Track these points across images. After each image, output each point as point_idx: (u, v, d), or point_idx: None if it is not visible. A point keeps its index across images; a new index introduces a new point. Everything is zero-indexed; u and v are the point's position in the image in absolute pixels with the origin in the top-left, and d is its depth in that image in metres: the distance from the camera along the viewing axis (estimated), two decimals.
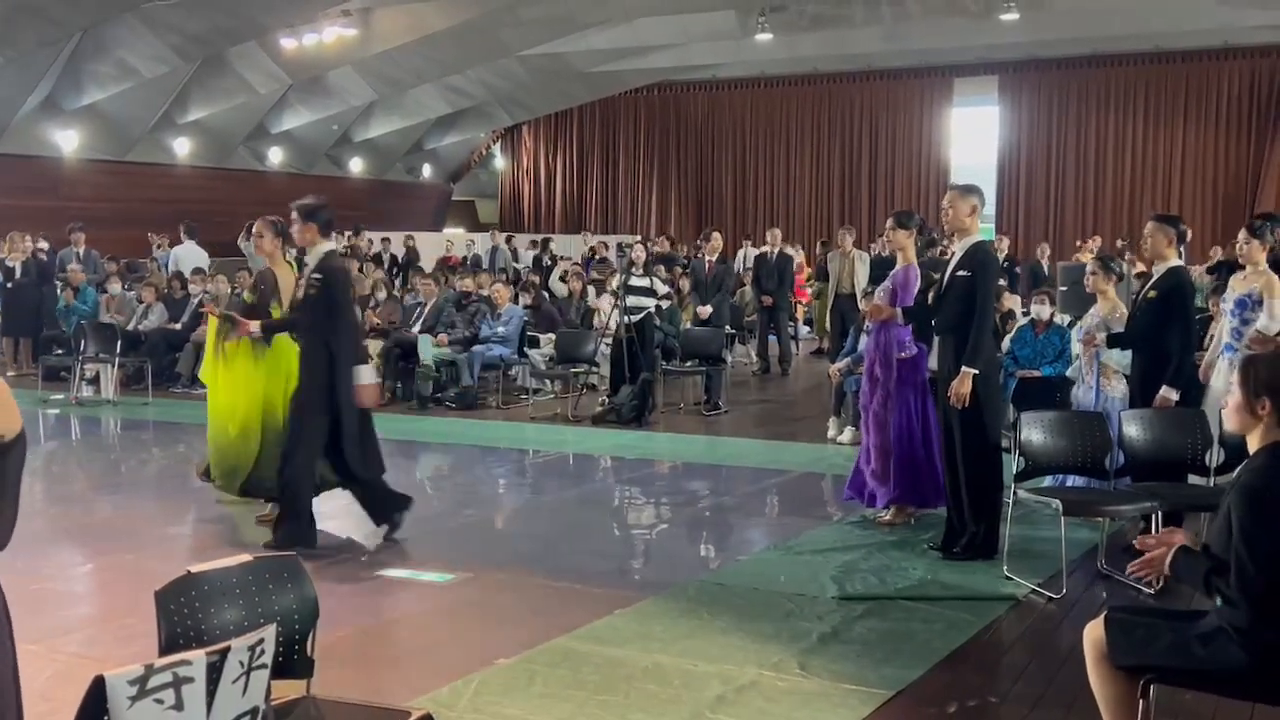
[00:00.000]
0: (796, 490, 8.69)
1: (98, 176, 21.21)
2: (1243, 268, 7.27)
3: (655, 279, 12.31)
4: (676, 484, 9.25)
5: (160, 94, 21.02)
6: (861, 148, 26.95)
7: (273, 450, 7.04)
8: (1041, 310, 9.54)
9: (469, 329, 12.68)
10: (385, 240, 21.92)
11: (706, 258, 13.84)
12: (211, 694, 2.50)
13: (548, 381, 13.01)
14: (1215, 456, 6.17)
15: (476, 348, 12.45)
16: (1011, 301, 13.37)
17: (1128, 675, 3.53)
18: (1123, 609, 3.75)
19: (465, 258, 21.25)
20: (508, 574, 6.33)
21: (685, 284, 14.36)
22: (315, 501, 6.96)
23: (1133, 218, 23.01)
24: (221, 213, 21.48)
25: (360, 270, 16.92)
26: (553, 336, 13.23)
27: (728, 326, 13.78)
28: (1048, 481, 6.98)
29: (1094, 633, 3.63)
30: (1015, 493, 6.33)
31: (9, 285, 14.76)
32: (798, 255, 19.39)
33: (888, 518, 7.29)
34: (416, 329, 13.01)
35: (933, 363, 6.72)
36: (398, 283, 18.37)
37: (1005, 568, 6.23)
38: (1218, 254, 17.76)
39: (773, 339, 15.22)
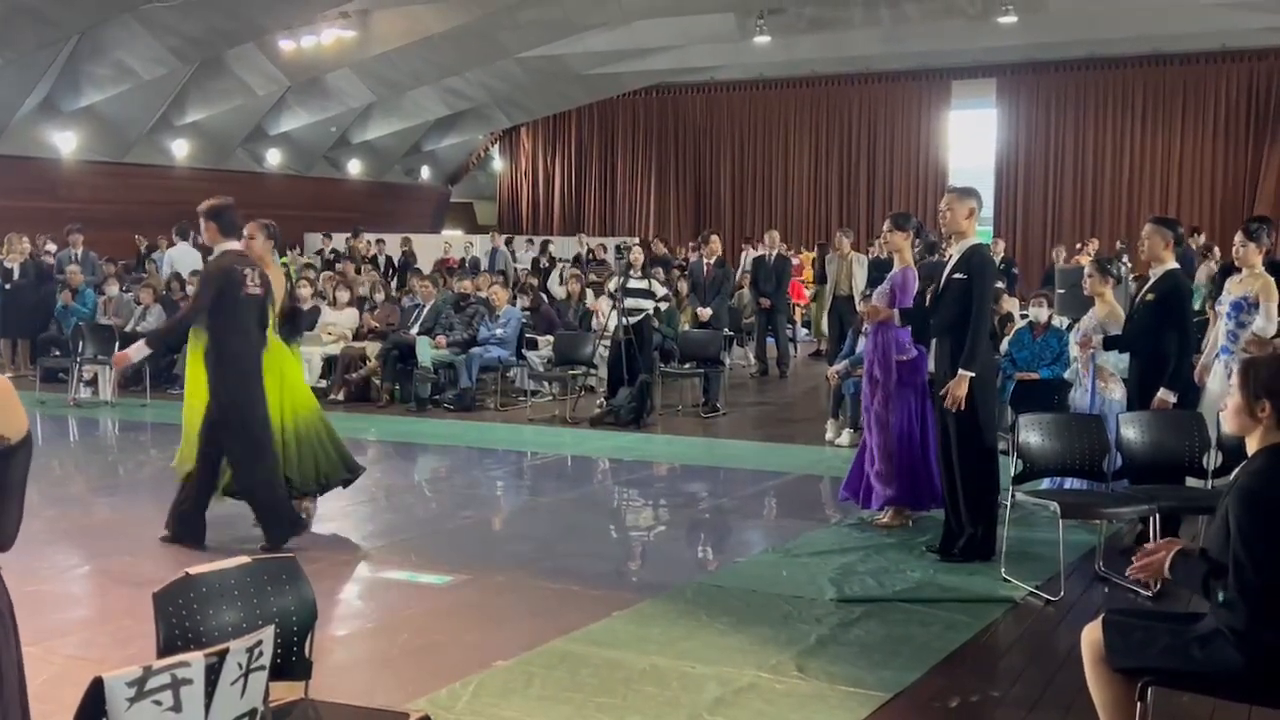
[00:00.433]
0: (794, 492, 8.69)
1: (96, 178, 21.20)
2: (1239, 270, 7.29)
3: (653, 281, 12.31)
4: (674, 486, 9.26)
5: (158, 96, 21.03)
6: (859, 150, 26.96)
7: (296, 449, 7.15)
8: (1039, 313, 9.55)
9: (467, 331, 12.68)
10: (380, 242, 21.93)
11: (705, 260, 13.84)
12: (210, 696, 2.50)
13: (546, 383, 13.01)
14: (1213, 459, 6.18)
15: (475, 350, 12.45)
16: (1010, 304, 13.39)
17: (1125, 677, 3.53)
18: (1120, 611, 3.75)
19: (464, 259, 21.26)
20: (506, 576, 6.33)
21: (684, 286, 14.37)
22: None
23: (1131, 220, 23.04)
24: None
25: (357, 272, 16.94)
26: (551, 338, 13.24)
27: (726, 329, 13.78)
28: (1046, 484, 6.98)
29: (1092, 635, 3.63)
30: (1013, 495, 6.34)
31: (7, 287, 14.75)
32: (796, 258, 19.41)
33: (885, 520, 7.29)
34: (415, 331, 13.02)
35: (931, 365, 6.73)
36: (393, 284, 18.38)
37: (1003, 570, 6.23)
38: (1214, 255, 17.79)
39: (771, 341, 15.23)
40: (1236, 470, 3.60)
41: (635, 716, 4.42)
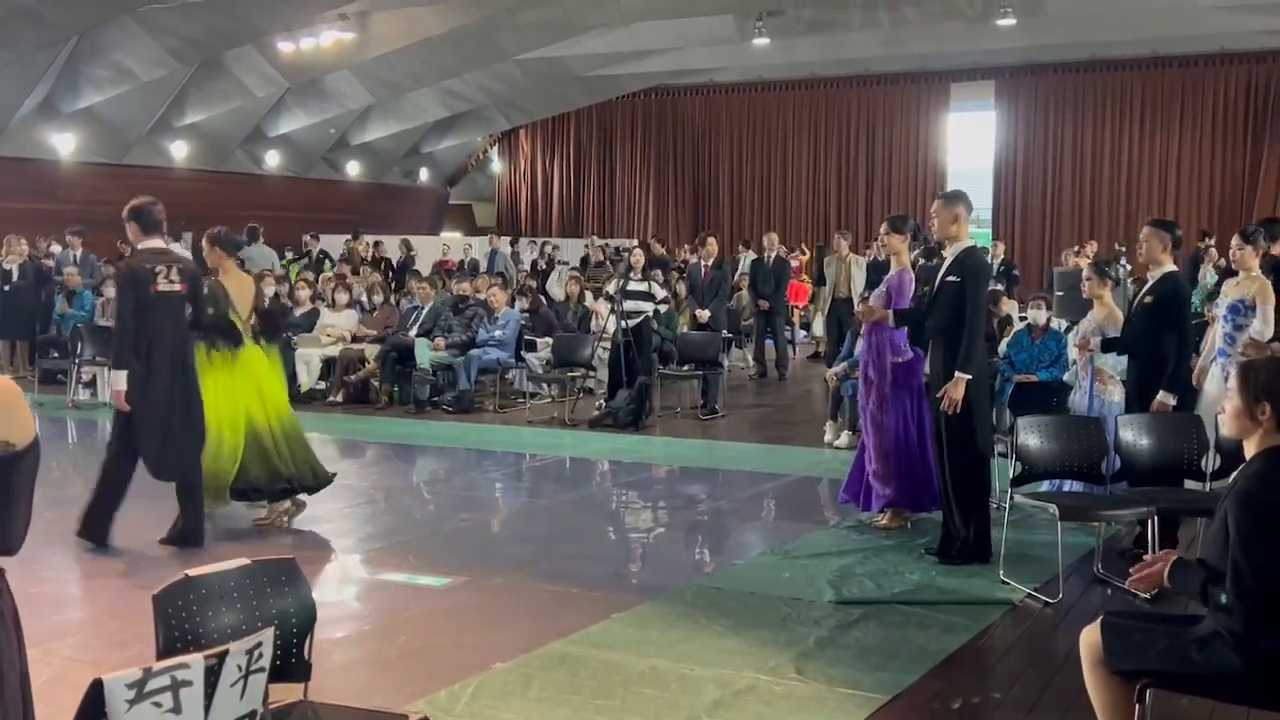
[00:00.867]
0: (793, 494, 8.69)
1: (94, 179, 21.20)
2: (1236, 273, 7.30)
3: (653, 283, 12.32)
4: (673, 488, 9.26)
5: (157, 97, 21.03)
6: (858, 152, 26.97)
7: (255, 453, 7.20)
8: (1038, 315, 9.55)
9: (466, 333, 12.69)
10: (378, 244, 21.93)
11: (703, 262, 13.85)
12: (209, 697, 2.50)
13: (545, 385, 13.01)
14: (1211, 461, 6.19)
15: (473, 351, 12.45)
16: (1009, 306, 13.39)
17: (1124, 680, 3.53)
18: (1119, 614, 3.75)
19: (462, 261, 21.28)
20: (504, 578, 6.33)
21: (682, 288, 14.37)
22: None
23: (1129, 222, 23.06)
24: (219, 216, 21.40)
25: (356, 273, 16.94)
26: (550, 340, 13.24)
27: (724, 331, 13.79)
28: (1045, 486, 6.99)
29: (1090, 637, 3.63)
30: (1011, 497, 6.34)
31: (6, 288, 14.74)
32: (797, 260, 19.41)
33: (884, 522, 7.29)
34: (413, 333, 13.02)
35: (926, 367, 6.75)
36: (391, 286, 18.36)
37: (1001, 572, 6.24)
38: (1213, 257, 17.81)
39: (770, 343, 15.23)
40: (1235, 473, 3.60)
41: (634, 718, 4.42)
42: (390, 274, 20.08)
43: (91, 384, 13.33)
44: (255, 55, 20.29)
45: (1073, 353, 8.38)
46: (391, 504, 8.43)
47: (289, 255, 20.28)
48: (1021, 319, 11.29)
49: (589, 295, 14.49)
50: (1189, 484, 6.37)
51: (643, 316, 11.84)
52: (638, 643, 5.24)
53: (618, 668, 4.92)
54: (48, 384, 13.49)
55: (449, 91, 24.79)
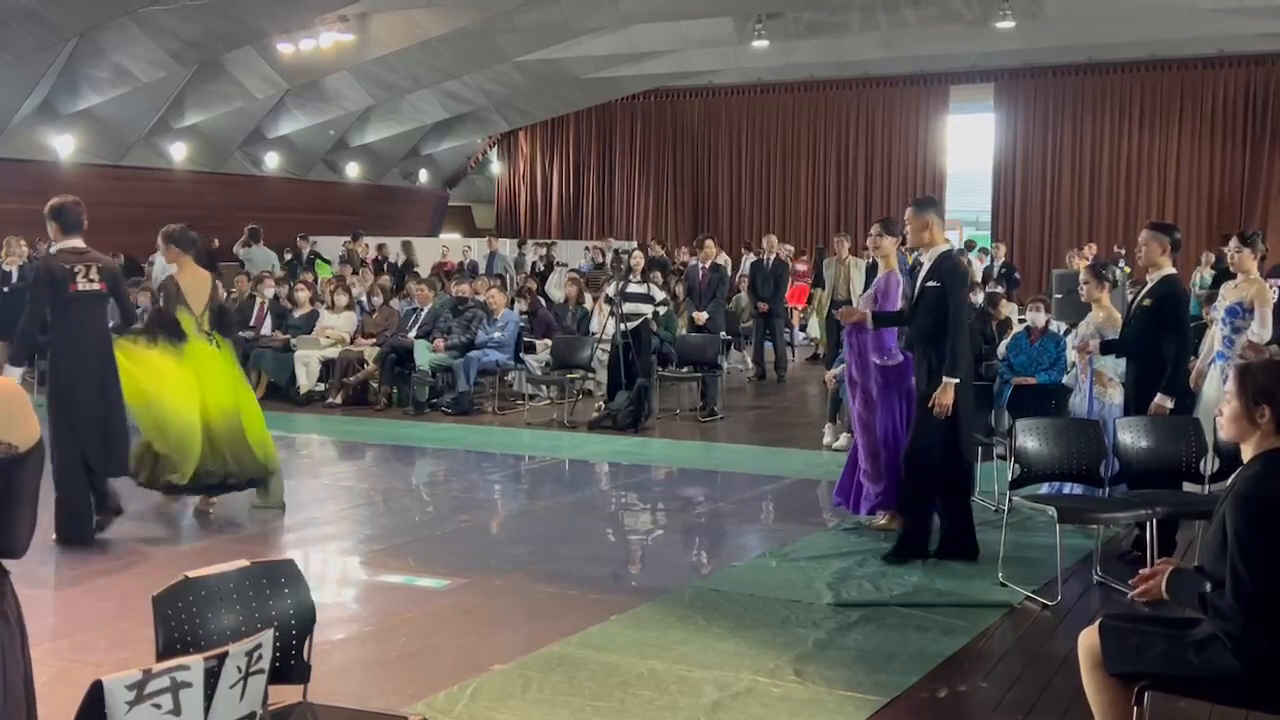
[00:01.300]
0: (792, 496, 8.69)
1: (94, 181, 21.16)
2: (1233, 276, 7.31)
3: (652, 285, 12.32)
4: (672, 490, 9.26)
5: (157, 98, 21.02)
6: (858, 154, 26.98)
7: (209, 445, 7.38)
8: (1037, 317, 9.56)
9: (465, 334, 12.69)
10: (381, 246, 21.94)
11: (700, 264, 13.86)
12: (209, 699, 2.51)
13: (544, 387, 13.02)
14: (1210, 464, 6.19)
15: (473, 353, 12.45)
16: (1008, 308, 13.40)
17: (1122, 682, 3.54)
18: (1117, 616, 3.76)
19: (461, 263, 21.28)
20: (503, 579, 6.33)
21: (680, 290, 14.38)
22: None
23: (1128, 224, 23.07)
24: (218, 218, 21.47)
25: (356, 274, 16.94)
26: (549, 342, 13.24)
27: (723, 332, 13.80)
28: (1043, 489, 7.00)
29: (1089, 640, 3.64)
30: (1010, 499, 6.35)
31: (5, 290, 14.73)
32: (802, 263, 19.40)
33: (882, 523, 7.30)
34: (413, 334, 13.03)
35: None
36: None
37: (1000, 574, 6.25)
38: (1209, 259, 17.84)
39: (769, 345, 15.23)
40: (1234, 476, 3.61)
41: None
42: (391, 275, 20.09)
43: None
44: (255, 57, 20.29)
45: (1072, 355, 8.39)
46: (391, 506, 8.43)
47: (288, 256, 20.29)
48: (1020, 321, 11.29)
49: (588, 297, 14.48)
50: (1188, 486, 6.37)
51: (642, 319, 11.85)
52: (636, 644, 5.25)
53: (616, 669, 4.92)
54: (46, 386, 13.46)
55: (448, 93, 24.79)
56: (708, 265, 13.64)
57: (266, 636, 2.68)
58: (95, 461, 7.01)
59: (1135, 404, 6.73)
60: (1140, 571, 3.72)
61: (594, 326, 13.09)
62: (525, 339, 13.24)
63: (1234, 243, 7.18)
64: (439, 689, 4.70)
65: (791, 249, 19.88)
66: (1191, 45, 22.43)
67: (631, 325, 11.63)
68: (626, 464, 9.90)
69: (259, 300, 14.43)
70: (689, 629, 5.48)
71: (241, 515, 7.78)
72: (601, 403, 11.94)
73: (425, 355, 12.58)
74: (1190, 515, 6.19)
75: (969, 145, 26.04)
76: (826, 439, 10.36)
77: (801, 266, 19.18)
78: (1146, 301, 6.72)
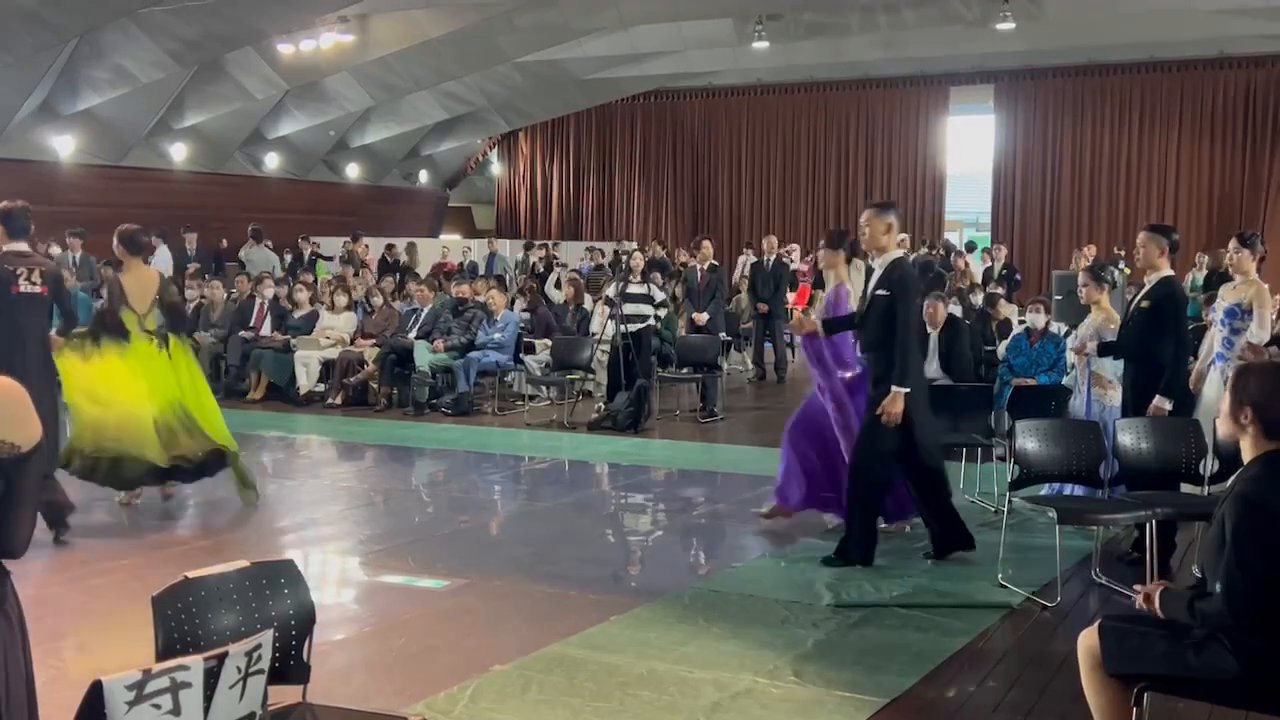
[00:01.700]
0: None
1: (94, 181, 21.18)
2: (1232, 277, 7.30)
3: (652, 285, 12.33)
4: (672, 491, 9.26)
5: (157, 99, 21.00)
6: (858, 156, 26.97)
7: (166, 436, 7.55)
8: (1037, 319, 9.56)
9: (465, 335, 12.69)
10: (390, 246, 21.96)
11: (698, 266, 13.86)
12: (208, 699, 2.51)
13: (543, 388, 13.02)
14: (1209, 465, 6.19)
15: (472, 354, 12.46)
16: (1008, 309, 13.41)
17: (1121, 683, 3.54)
18: (1117, 617, 3.76)
19: (461, 264, 21.26)
20: (503, 580, 6.34)
21: (679, 291, 14.38)
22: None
23: (1128, 226, 23.06)
24: (218, 218, 21.48)
25: (356, 275, 16.94)
26: (549, 343, 13.24)
27: (722, 333, 13.80)
28: (1043, 490, 7.00)
29: (1088, 641, 3.64)
30: (1010, 500, 6.35)
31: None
32: (805, 264, 19.38)
33: (882, 525, 7.29)
34: (412, 335, 13.03)
35: None
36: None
37: (1000, 575, 6.25)
38: (1204, 260, 17.83)
39: (768, 346, 15.23)
40: (1233, 477, 3.62)
41: None
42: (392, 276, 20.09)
43: None
44: (255, 58, 20.28)
45: (1071, 357, 8.39)
46: (390, 506, 8.43)
47: (288, 257, 20.29)
48: (1021, 322, 11.30)
49: (588, 298, 14.48)
50: (1187, 488, 6.37)
51: (646, 324, 11.85)
52: (636, 645, 5.25)
53: (616, 670, 4.93)
54: None
55: (448, 94, 24.78)
56: (705, 266, 13.64)
57: (266, 637, 2.68)
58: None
59: (1133, 406, 6.72)
60: (1135, 587, 3.75)
61: (594, 327, 13.10)
62: (526, 339, 13.25)
63: (1233, 244, 7.18)
64: (439, 689, 4.70)
65: (798, 248, 19.88)
66: (1191, 47, 22.43)
67: (634, 328, 11.63)
68: (626, 465, 9.90)
69: (259, 301, 14.43)
70: (689, 630, 5.48)
71: (242, 515, 7.79)
72: (601, 404, 11.94)
73: (425, 356, 12.59)
74: (1190, 517, 6.19)
75: (969, 146, 26.03)
76: None
77: (804, 267, 19.16)
78: (1144, 303, 6.72)
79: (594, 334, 12.74)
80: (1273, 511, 3.32)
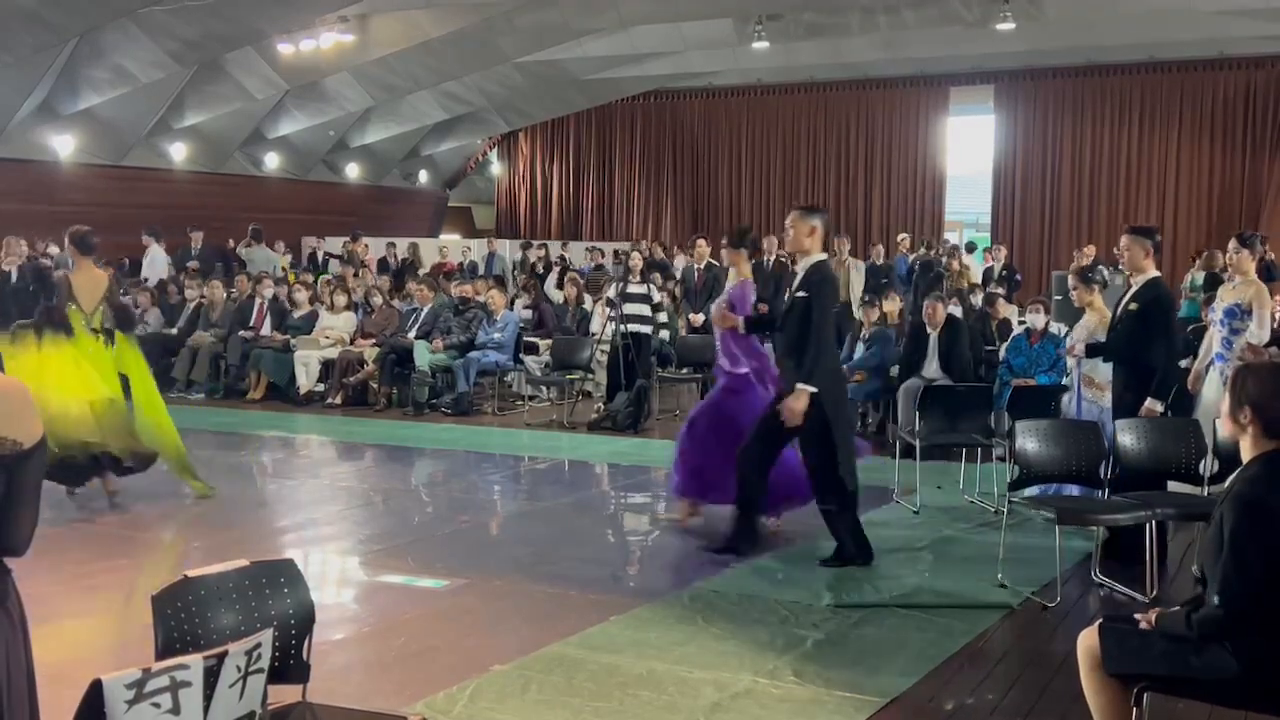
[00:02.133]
0: None
1: (94, 181, 21.18)
2: (1230, 278, 7.30)
3: (651, 285, 12.32)
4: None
5: (157, 99, 21.00)
6: (858, 156, 26.96)
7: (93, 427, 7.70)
8: (1036, 319, 9.56)
9: (465, 335, 12.69)
10: (391, 245, 21.96)
11: (695, 265, 13.84)
12: (208, 698, 2.51)
13: (543, 388, 13.02)
14: (1209, 466, 6.19)
15: (472, 354, 12.46)
16: (1007, 310, 13.40)
17: (1121, 683, 3.54)
18: (1117, 617, 3.77)
19: (461, 264, 21.24)
20: (503, 580, 6.34)
21: (678, 292, 14.37)
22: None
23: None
24: (218, 218, 21.47)
25: (356, 275, 16.94)
26: (549, 342, 13.24)
27: None
28: (1034, 490, 6.99)
29: (1088, 641, 3.64)
30: (1009, 501, 6.35)
31: (4, 291, 14.73)
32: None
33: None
34: (412, 334, 13.03)
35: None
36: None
37: (1000, 575, 6.25)
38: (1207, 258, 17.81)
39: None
40: (1232, 477, 3.62)
41: None
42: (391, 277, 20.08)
43: None
44: (255, 57, 20.28)
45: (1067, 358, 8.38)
46: (390, 506, 8.43)
47: (288, 258, 20.28)
48: (1020, 323, 11.29)
49: (588, 298, 14.48)
50: (1187, 488, 6.37)
51: (649, 327, 11.85)
52: (636, 645, 5.25)
53: (616, 670, 4.93)
54: None
55: (448, 94, 24.78)
56: (702, 265, 13.63)
57: (266, 636, 2.68)
58: None
59: (1122, 407, 6.67)
60: (1135, 615, 3.76)
61: (594, 327, 13.10)
62: (527, 339, 13.24)
63: (1232, 244, 7.19)
64: (438, 689, 4.70)
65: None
66: (1191, 47, 22.42)
67: (635, 328, 11.62)
68: (626, 465, 9.90)
69: (258, 300, 14.43)
70: (688, 630, 5.48)
71: (241, 515, 7.78)
72: (601, 404, 11.94)
73: (425, 356, 12.58)
74: (1190, 517, 6.19)
75: (969, 147, 26.01)
76: None
77: None
78: (1132, 305, 6.67)
79: (594, 334, 12.74)
80: (1271, 511, 3.32)
